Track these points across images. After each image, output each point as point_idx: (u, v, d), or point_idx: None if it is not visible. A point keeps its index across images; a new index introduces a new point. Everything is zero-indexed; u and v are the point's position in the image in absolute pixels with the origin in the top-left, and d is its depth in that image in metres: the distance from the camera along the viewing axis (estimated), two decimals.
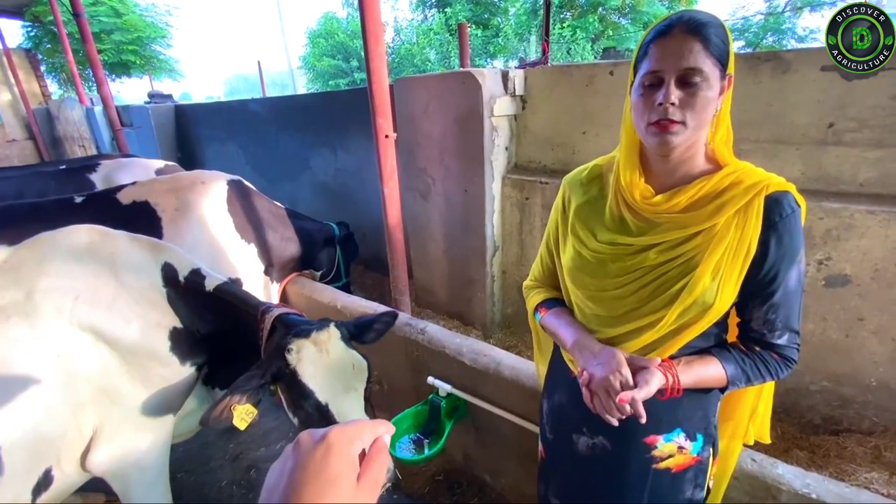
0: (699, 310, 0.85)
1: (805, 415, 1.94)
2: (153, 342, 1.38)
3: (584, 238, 0.97)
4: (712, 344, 0.92)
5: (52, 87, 11.08)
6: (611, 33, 14.16)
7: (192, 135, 5.76)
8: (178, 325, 1.43)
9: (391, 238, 2.39)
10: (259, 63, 8.78)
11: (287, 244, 2.58)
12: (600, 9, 13.75)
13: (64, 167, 3.09)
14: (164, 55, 12.91)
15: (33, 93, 9.18)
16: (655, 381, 0.82)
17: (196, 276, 1.52)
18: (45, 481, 1.21)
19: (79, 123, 7.48)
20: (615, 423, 0.84)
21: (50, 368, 1.20)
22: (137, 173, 2.98)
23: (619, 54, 14.47)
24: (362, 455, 0.41)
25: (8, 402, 1.12)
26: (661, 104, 0.77)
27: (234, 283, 1.61)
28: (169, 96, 6.50)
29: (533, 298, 1.15)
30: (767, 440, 1.09)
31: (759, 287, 0.84)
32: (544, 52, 3.15)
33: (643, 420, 0.81)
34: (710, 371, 0.88)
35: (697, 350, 0.91)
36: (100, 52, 7.30)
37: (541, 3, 12.52)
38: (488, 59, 14.92)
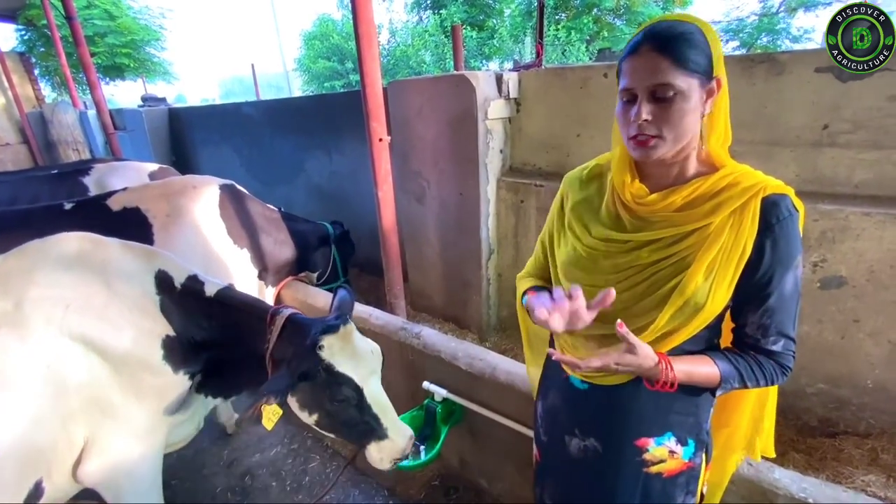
0: (691, 311, 0.84)
1: (801, 417, 1.94)
2: (146, 351, 1.36)
3: (579, 233, 0.98)
4: (704, 348, 0.91)
5: (46, 90, 11.02)
6: (606, 34, 14.21)
7: (186, 138, 5.73)
8: (171, 333, 1.41)
9: (386, 241, 2.38)
10: (253, 66, 8.75)
11: (281, 248, 2.56)
12: (595, 10, 13.80)
13: (57, 171, 3.07)
14: (157, 58, 12.86)
15: (27, 96, 9.12)
16: (646, 347, 0.82)
17: (194, 281, 1.51)
18: (35, 493, 1.19)
19: (72, 127, 7.43)
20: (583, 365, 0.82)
21: (40, 379, 1.18)
22: (130, 177, 2.96)
23: (615, 55, 14.51)
24: None
25: (1, 415, 1.11)
26: (635, 120, 0.79)
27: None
28: (163, 100, 6.47)
29: (521, 285, 1.14)
30: (772, 454, 1.09)
31: (753, 290, 0.83)
32: (538, 55, 3.15)
33: (622, 329, 0.79)
34: (703, 367, 0.87)
35: (689, 353, 0.90)
36: (93, 55, 7.27)
37: (535, 4, 12.55)
38: (483, 61, 14.95)
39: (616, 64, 0.84)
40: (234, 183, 2.44)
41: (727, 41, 14.94)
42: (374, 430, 1.41)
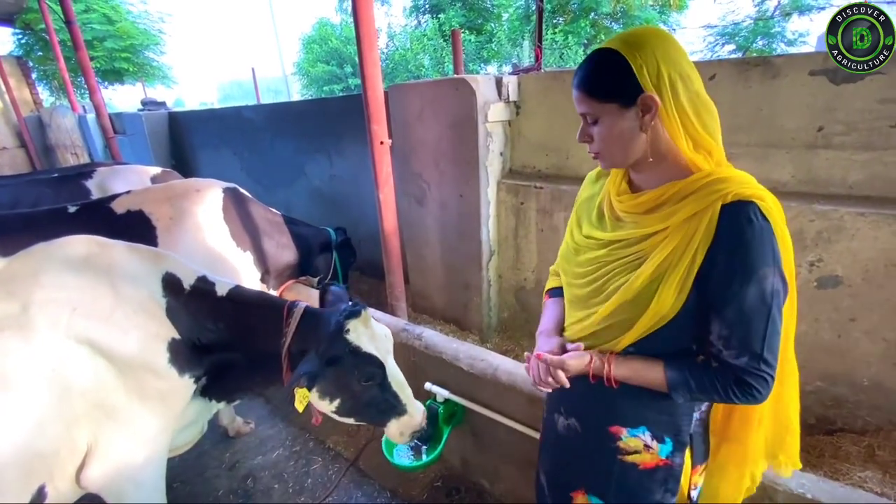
0: (636, 309, 0.87)
1: (799, 415, 1.96)
2: (151, 354, 1.35)
3: (573, 229, 1.05)
4: (674, 351, 0.91)
5: (44, 94, 11.03)
6: (603, 38, 14.30)
7: (186, 142, 5.74)
8: (177, 336, 1.40)
9: (387, 243, 2.40)
10: (253, 70, 8.77)
11: (283, 251, 2.57)
12: (592, 14, 13.91)
13: (59, 175, 3.09)
14: (156, 62, 12.90)
15: (24, 100, 9.12)
16: (575, 357, 0.94)
17: (204, 282, 1.51)
18: (38, 498, 1.19)
19: (71, 131, 7.43)
20: (546, 389, 1.00)
21: (44, 383, 1.18)
22: (133, 180, 2.97)
23: None
24: None
25: (5, 419, 1.10)
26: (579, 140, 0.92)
27: None
28: (163, 103, 6.49)
29: (548, 284, 1.24)
30: (798, 466, 1.07)
31: (710, 299, 0.82)
32: (537, 58, 3.18)
33: (562, 381, 0.94)
34: (651, 370, 0.89)
35: (655, 355, 0.92)
36: (92, 59, 7.30)
37: (533, 8, 12.63)
38: (482, 65, 15.02)
39: None
40: (237, 186, 2.46)
41: (723, 45, 15.06)
42: (394, 407, 1.51)
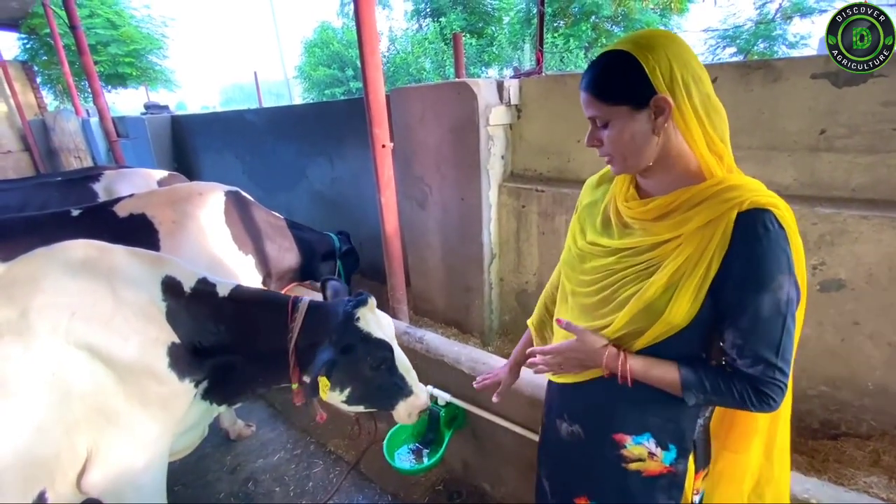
0: (650, 318, 0.85)
1: (803, 419, 1.94)
2: (151, 359, 1.35)
3: (576, 235, 1.04)
4: (682, 359, 0.89)
5: (48, 98, 11.08)
6: (604, 42, 14.33)
7: (188, 145, 5.77)
8: (177, 340, 1.40)
9: (389, 246, 2.40)
10: (255, 74, 8.82)
11: (285, 255, 2.58)
12: (593, 17, 13.93)
13: (67, 178, 3.13)
14: (159, 66, 12.96)
15: (29, 104, 9.18)
16: (589, 336, 0.92)
17: (205, 284, 1.51)
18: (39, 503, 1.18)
19: (74, 135, 7.47)
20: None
21: (44, 388, 1.17)
22: (139, 183, 3.00)
23: None
24: None
25: (5, 425, 1.10)
26: (587, 144, 0.89)
27: None
28: (165, 107, 6.52)
29: (538, 305, 1.30)
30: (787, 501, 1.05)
31: (725, 308, 0.81)
32: (538, 62, 3.19)
33: (562, 323, 0.96)
34: (665, 366, 0.86)
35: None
36: (96, 63, 7.32)
37: (534, 12, 12.67)
38: (483, 68, 15.06)
39: None
40: (239, 189, 2.47)
41: (724, 48, 15.07)
42: (402, 389, 1.57)
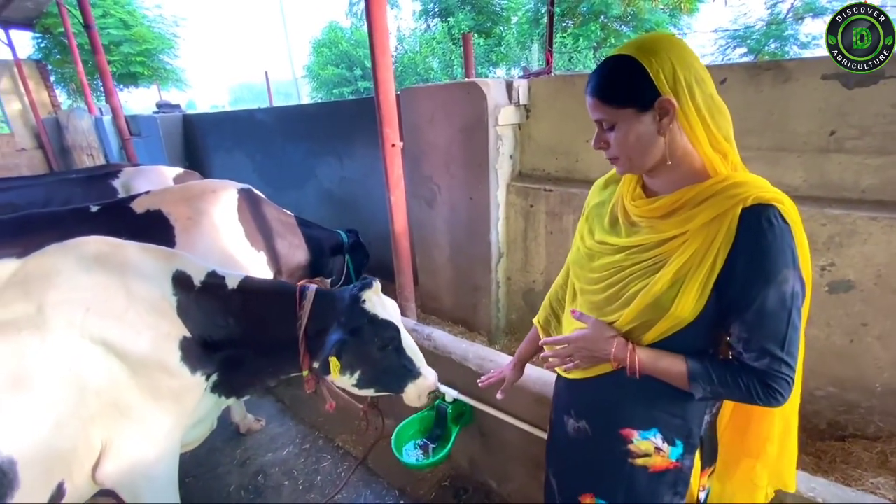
0: (657, 313, 0.87)
1: (811, 420, 1.94)
2: (164, 353, 1.37)
3: (584, 235, 1.06)
4: (688, 353, 0.90)
5: (62, 97, 11.24)
6: (613, 41, 14.26)
7: (199, 144, 5.83)
8: (188, 334, 1.42)
9: (397, 245, 2.42)
10: (266, 73, 8.89)
11: (295, 251, 2.61)
12: (602, 17, 13.87)
13: (89, 174, 3.24)
14: (170, 65, 13.09)
15: (43, 103, 9.33)
16: (600, 324, 0.94)
17: (214, 277, 1.53)
18: (58, 494, 1.21)
19: (87, 133, 7.59)
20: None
21: (62, 382, 1.20)
22: (155, 180, 3.08)
23: None
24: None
25: (22, 418, 1.12)
26: (595, 146, 0.92)
27: None
28: (177, 106, 6.60)
29: (540, 313, 1.32)
30: (793, 489, 1.06)
31: (731, 302, 0.82)
32: (548, 62, 3.20)
33: (575, 314, 0.98)
34: (673, 360, 0.88)
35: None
36: (109, 63, 7.42)
37: (543, 11, 12.65)
38: (491, 68, 15.05)
39: None
40: (251, 187, 2.51)
41: (734, 48, 14.95)
42: (410, 371, 1.60)
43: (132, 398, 1.32)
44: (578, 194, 2.38)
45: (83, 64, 7.44)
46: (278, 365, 1.62)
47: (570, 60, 13.21)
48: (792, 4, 13.38)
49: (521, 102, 2.54)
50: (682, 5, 13.88)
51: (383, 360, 1.56)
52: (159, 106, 6.58)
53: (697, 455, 1.00)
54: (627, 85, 0.82)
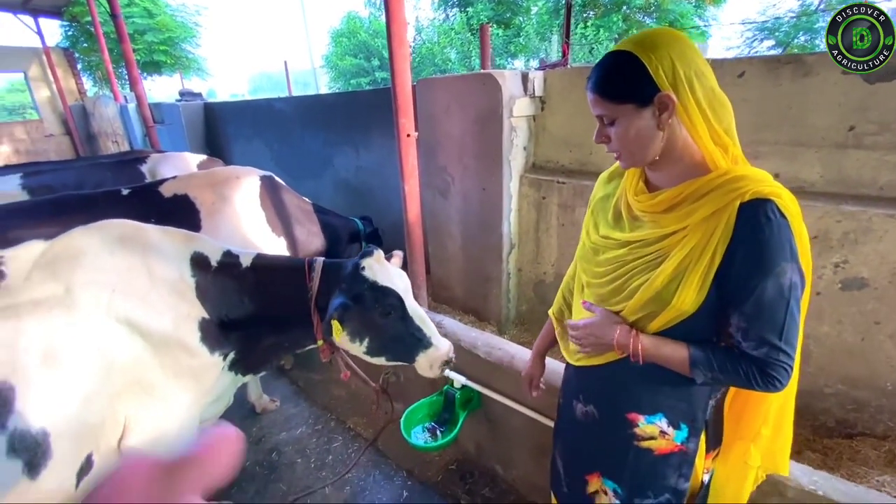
0: (659, 305, 0.90)
1: (819, 417, 1.94)
2: (184, 334, 1.42)
3: (590, 229, 1.09)
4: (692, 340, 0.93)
5: (88, 84, 11.52)
6: (635, 33, 13.98)
7: (220, 132, 5.95)
8: (206, 315, 1.48)
9: (410, 234, 2.47)
10: (286, 63, 8.98)
11: (313, 238, 2.68)
12: (624, 8, 13.59)
13: (118, 159, 3.42)
14: (192, 54, 13.30)
15: (70, 90, 9.59)
16: (608, 313, 0.98)
17: (229, 256, 1.59)
18: (87, 466, 1.27)
19: (113, 120, 7.79)
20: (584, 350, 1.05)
21: (90, 360, 1.25)
22: (179, 166, 3.21)
23: None
24: None
25: (56, 393, 1.18)
26: (596, 141, 0.94)
27: None
28: (199, 95, 6.73)
29: (554, 305, 1.35)
30: (786, 472, 1.10)
31: (730, 294, 0.84)
32: (564, 54, 3.18)
33: (585, 304, 1.04)
34: (675, 346, 0.90)
35: None
36: (133, 51, 7.58)
37: (563, 2, 12.44)
38: (509, 59, 14.90)
39: None
40: (272, 175, 2.57)
41: (762, 40, 14.50)
42: (419, 340, 1.61)
43: (154, 376, 1.38)
44: (591, 187, 2.34)
45: (109, 52, 7.62)
46: (294, 338, 1.68)
47: (590, 52, 12.99)
48: None
49: (537, 94, 2.54)
50: None
51: (389, 328, 1.58)
52: (181, 94, 6.72)
53: (702, 438, 1.03)
54: (627, 81, 0.84)
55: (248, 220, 2.32)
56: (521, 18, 15.27)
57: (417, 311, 1.63)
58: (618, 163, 1.01)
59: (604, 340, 0.98)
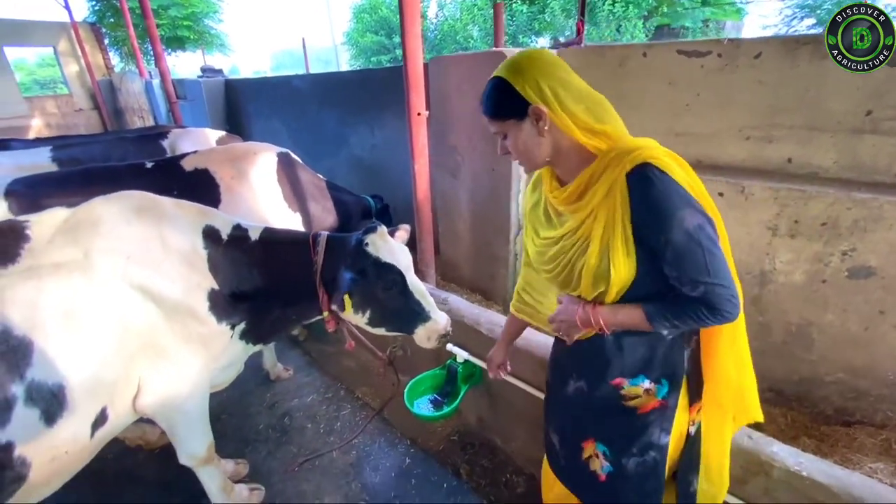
0: (604, 283, 0.99)
1: (818, 405, 1.95)
2: (194, 302, 1.48)
3: (532, 237, 1.20)
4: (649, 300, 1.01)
5: (115, 59, 11.73)
6: (665, 10, 13.42)
7: (240, 109, 6.04)
8: (216, 286, 1.54)
9: (419, 213, 2.51)
10: (303, 40, 8.98)
11: (327, 215, 2.74)
12: None
13: (142, 134, 3.53)
14: (215, 30, 13.37)
15: (97, 65, 9.76)
16: (567, 301, 1.10)
17: (239, 230, 1.66)
18: (101, 418, 1.35)
19: (139, 95, 7.97)
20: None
21: (105, 321, 1.32)
22: (199, 141, 3.30)
23: (674, 32, 13.68)
24: None
25: (73, 349, 1.26)
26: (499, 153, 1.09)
27: None
28: (220, 71, 6.81)
29: (512, 305, 1.48)
30: (760, 418, 1.14)
31: (653, 251, 0.93)
32: (578, 32, 3.11)
33: (555, 328, 1.15)
34: (630, 308, 1.00)
35: None
36: (158, 26, 7.68)
37: None
38: (533, 37, 14.52)
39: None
40: (289, 151, 2.64)
41: (802, 18, 13.75)
42: (418, 313, 1.68)
43: (166, 340, 1.45)
44: None
45: (134, 27, 7.73)
46: (300, 310, 1.75)
47: (617, 30, 12.57)
48: None
49: None
50: None
51: (389, 301, 1.64)
52: (203, 70, 6.81)
53: (683, 391, 1.10)
54: (504, 101, 0.99)
55: (265, 195, 2.39)
56: None
57: (418, 285, 1.68)
58: (537, 173, 1.15)
59: (572, 321, 1.09)
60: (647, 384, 1.08)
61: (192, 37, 12.38)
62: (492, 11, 13.92)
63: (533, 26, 14.24)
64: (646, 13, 12.93)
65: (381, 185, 3.97)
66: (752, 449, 1.37)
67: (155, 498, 2.03)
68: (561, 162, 1.03)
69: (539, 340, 1.84)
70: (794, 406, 2.00)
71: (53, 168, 2.72)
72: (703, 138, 2.14)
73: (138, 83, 7.89)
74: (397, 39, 16.47)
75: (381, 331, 1.73)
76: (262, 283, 1.64)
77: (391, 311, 1.67)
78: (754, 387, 1.12)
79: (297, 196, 2.56)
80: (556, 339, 1.30)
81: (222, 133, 3.52)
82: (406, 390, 1.98)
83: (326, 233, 1.71)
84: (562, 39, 13.26)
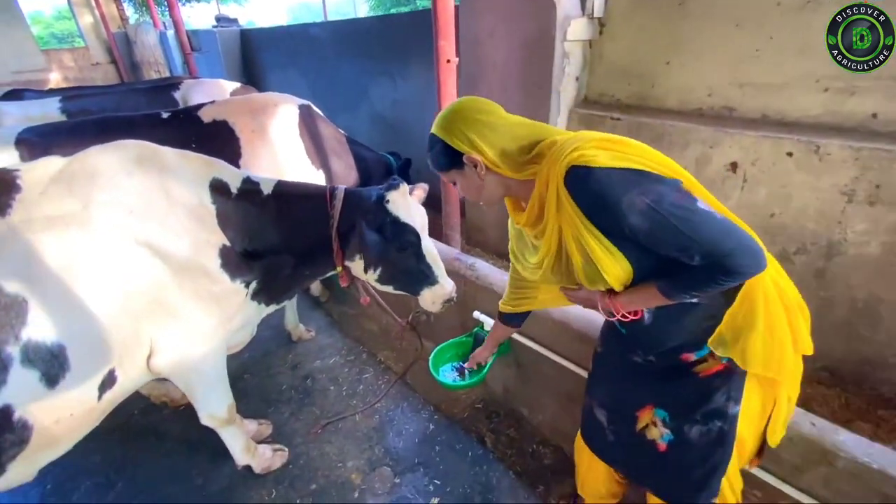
0: (601, 281, 1.00)
1: (877, 387, 1.80)
2: (204, 259, 1.41)
3: (523, 262, 1.23)
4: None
5: (129, 10, 11.45)
6: None
7: (256, 60, 5.82)
8: (227, 243, 1.45)
9: None
10: None
11: (349, 172, 2.62)
12: None
13: (153, 85, 3.43)
14: None
15: (112, 16, 9.53)
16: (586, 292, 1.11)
17: (249, 183, 1.55)
18: (109, 380, 1.29)
19: (154, 48, 7.77)
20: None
21: (107, 278, 1.24)
22: (213, 93, 3.19)
23: None
24: None
25: (73, 308, 1.18)
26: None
27: None
28: (235, 20, 6.54)
29: (501, 306, 1.50)
30: (810, 351, 1.04)
31: (636, 241, 0.91)
32: None
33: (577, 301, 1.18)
34: (644, 287, 0.99)
35: None
36: None
37: None
38: None
39: None
40: (310, 104, 2.47)
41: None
42: (427, 276, 1.66)
43: (176, 299, 1.38)
44: (650, 125, 2.15)
45: None
46: (314, 266, 1.68)
47: None
48: None
49: (596, 15, 2.25)
50: None
51: (402, 261, 1.61)
52: (218, 20, 6.55)
53: None
54: (442, 156, 1.07)
55: (287, 150, 2.26)
56: None
57: (431, 249, 1.65)
58: (508, 201, 1.18)
59: (592, 303, 1.12)
60: (709, 353, 1.06)
61: None
62: None
63: None
64: None
65: (404, 142, 3.79)
66: (815, 436, 1.26)
67: (179, 455, 2.04)
68: (516, 191, 1.09)
69: (577, 313, 1.72)
70: (850, 388, 1.86)
71: (62, 119, 2.64)
72: (771, 89, 1.90)
73: (153, 35, 7.67)
74: None
75: (388, 288, 1.71)
76: (276, 239, 1.56)
77: (401, 271, 1.64)
78: (785, 344, 1.00)
79: (318, 152, 2.42)
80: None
81: (238, 85, 3.37)
82: (431, 357, 1.91)
83: (343, 187, 1.64)
84: None
